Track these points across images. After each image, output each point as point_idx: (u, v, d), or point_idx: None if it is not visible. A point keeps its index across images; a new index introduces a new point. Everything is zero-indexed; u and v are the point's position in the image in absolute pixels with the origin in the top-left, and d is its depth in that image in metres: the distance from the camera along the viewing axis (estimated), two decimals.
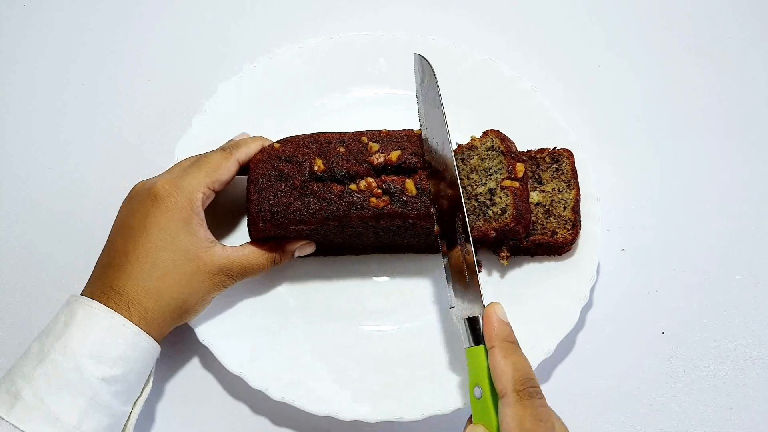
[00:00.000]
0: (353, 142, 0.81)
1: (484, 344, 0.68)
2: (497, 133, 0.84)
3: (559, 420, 0.65)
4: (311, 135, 0.82)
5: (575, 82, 1.04)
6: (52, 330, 0.70)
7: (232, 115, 0.93)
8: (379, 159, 0.78)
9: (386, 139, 0.80)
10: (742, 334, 0.86)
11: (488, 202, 0.81)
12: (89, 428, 0.67)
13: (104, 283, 0.73)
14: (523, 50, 1.06)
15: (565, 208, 0.83)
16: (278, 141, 0.82)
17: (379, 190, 0.78)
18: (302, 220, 0.78)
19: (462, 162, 0.85)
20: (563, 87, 1.03)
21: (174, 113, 1.02)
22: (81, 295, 0.73)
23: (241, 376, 0.78)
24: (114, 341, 0.69)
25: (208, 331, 0.81)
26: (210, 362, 0.84)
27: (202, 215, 0.78)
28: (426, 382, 0.79)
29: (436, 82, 0.80)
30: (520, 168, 0.81)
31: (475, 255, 0.85)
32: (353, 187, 0.78)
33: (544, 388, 0.82)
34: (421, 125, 0.81)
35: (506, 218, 0.79)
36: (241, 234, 0.87)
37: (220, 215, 0.87)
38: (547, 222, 0.83)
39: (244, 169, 0.82)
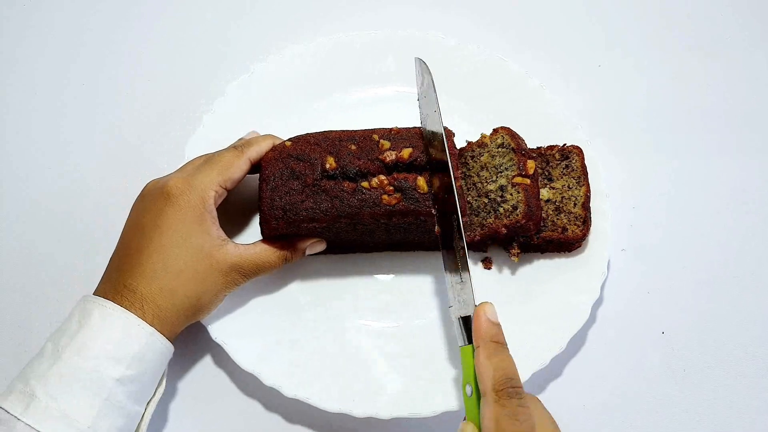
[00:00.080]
0: (364, 139, 0.81)
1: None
2: (507, 131, 0.85)
3: (550, 421, 0.66)
4: (322, 133, 0.82)
5: (575, 82, 1.04)
6: (67, 330, 0.69)
7: (242, 114, 0.93)
8: (391, 156, 0.79)
9: (397, 136, 0.81)
10: (742, 334, 0.87)
11: (499, 199, 0.81)
12: (103, 428, 0.67)
13: (118, 282, 0.72)
14: (523, 50, 1.07)
15: (575, 204, 0.84)
16: (289, 139, 0.82)
17: (391, 188, 0.78)
18: (314, 217, 0.78)
19: (472, 159, 0.85)
20: (564, 86, 1.03)
21: (174, 113, 1.02)
22: (94, 294, 0.73)
23: (254, 373, 0.78)
24: (129, 342, 0.69)
25: (221, 330, 0.80)
26: (223, 360, 0.84)
27: (215, 213, 0.78)
28: (438, 378, 0.79)
29: (434, 86, 0.80)
30: (530, 165, 0.82)
31: (486, 251, 0.86)
32: (365, 184, 0.78)
33: (548, 386, 0.83)
34: (422, 126, 0.82)
35: (517, 215, 0.80)
36: (252, 232, 0.87)
37: (232, 213, 0.86)
38: (557, 219, 0.84)
39: (255, 167, 0.82)
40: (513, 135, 0.84)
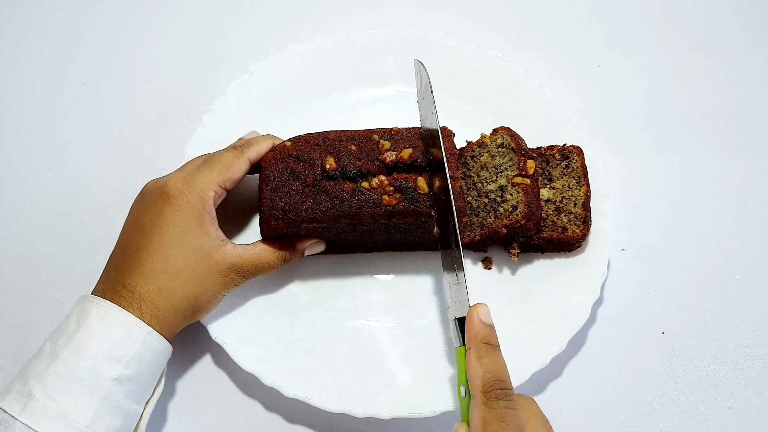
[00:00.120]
0: (364, 140, 0.81)
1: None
2: (507, 130, 0.85)
3: (543, 422, 0.66)
4: (322, 133, 0.82)
5: (575, 82, 1.04)
6: (65, 329, 0.69)
7: (242, 114, 0.93)
8: (391, 157, 0.78)
9: (397, 136, 0.81)
10: (742, 334, 0.87)
11: (499, 199, 0.81)
12: (101, 428, 0.67)
13: (116, 282, 0.72)
14: (523, 50, 1.07)
15: (575, 204, 0.84)
16: (289, 139, 0.82)
17: (391, 188, 0.78)
18: (314, 218, 0.78)
19: (472, 159, 0.85)
20: (564, 86, 1.03)
21: (174, 113, 1.02)
22: (92, 293, 0.73)
23: (254, 373, 0.78)
24: (127, 341, 0.69)
25: (220, 330, 0.80)
26: (222, 360, 0.84)
27: (214, 214, 0.78)
28: (438, 379, 0.79)
29: (431, 89, 0.79)
30: (530, 165, 0.82)
31: (486, 251, 0.86)
32: (365, 185, 0.78)
33: (548, 386, 0.83)
34: (421, 128, 0.82)
35: (517, 215, 0.80)
36: (251, 233, 0.87)
37: (231, 213, 0.86)
38: (557, 218, 0.84)
39: (254, 167, 0.82)
40: (513, 135, 0.84)
